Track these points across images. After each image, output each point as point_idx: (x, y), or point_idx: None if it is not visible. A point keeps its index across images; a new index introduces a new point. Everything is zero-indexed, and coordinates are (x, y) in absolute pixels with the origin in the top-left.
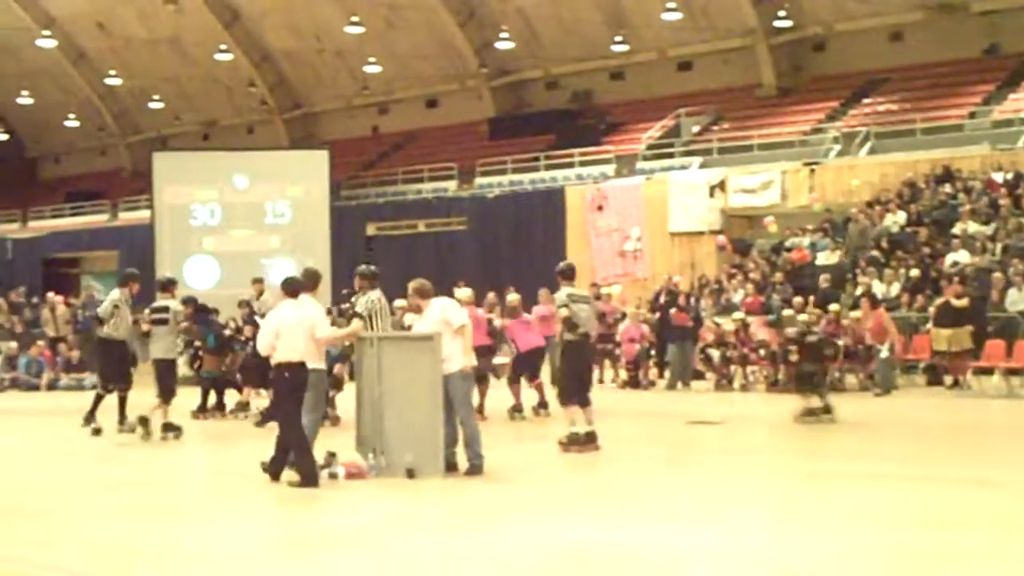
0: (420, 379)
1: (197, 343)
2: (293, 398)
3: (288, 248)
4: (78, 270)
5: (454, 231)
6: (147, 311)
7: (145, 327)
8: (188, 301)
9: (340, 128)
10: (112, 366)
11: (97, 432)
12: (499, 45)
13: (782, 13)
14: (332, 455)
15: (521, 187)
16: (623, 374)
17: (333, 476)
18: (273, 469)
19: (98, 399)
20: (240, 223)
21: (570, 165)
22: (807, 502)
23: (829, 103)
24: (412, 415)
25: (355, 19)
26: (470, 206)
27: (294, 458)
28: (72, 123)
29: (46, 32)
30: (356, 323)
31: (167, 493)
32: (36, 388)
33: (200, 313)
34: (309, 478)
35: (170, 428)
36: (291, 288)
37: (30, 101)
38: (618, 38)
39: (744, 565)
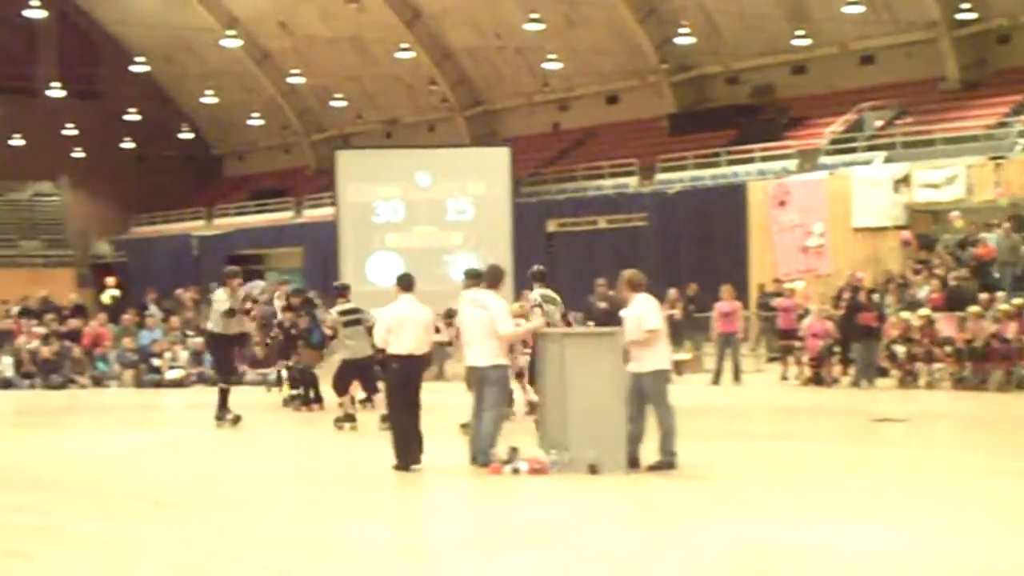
0: (603, 375)
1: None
2: (402, 388)
3: (470, 244)
4: (263, 267)
5: (635, 227)
6: (336, 314)
7: (329, 330)
8: (296, 293)
9: (521, 125)
10: (222, 360)
11: (236, 420)
12: (679, 40)
13: (966, 5)
14: (515, 450)
15: (702, 183)
16: (806, 371)
17: (516, 471)
18: (416, 457)
19: (223, 393)
20: (423, 220)
21: (751, 160)
22: (996, 501)
23: (1014, 96)
24: (595, 411)
25: (535, 16)
26: (651, 202)
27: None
28: (256, 121)
29: (230, 32)
30: (537, 320)
31: (350, 487)
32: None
33: (307, 307)
34: (404, 459)
35: (349, 419)
36: (405, 284)
37: (215, 100)
38: (799, 32)
39: (933, 567)
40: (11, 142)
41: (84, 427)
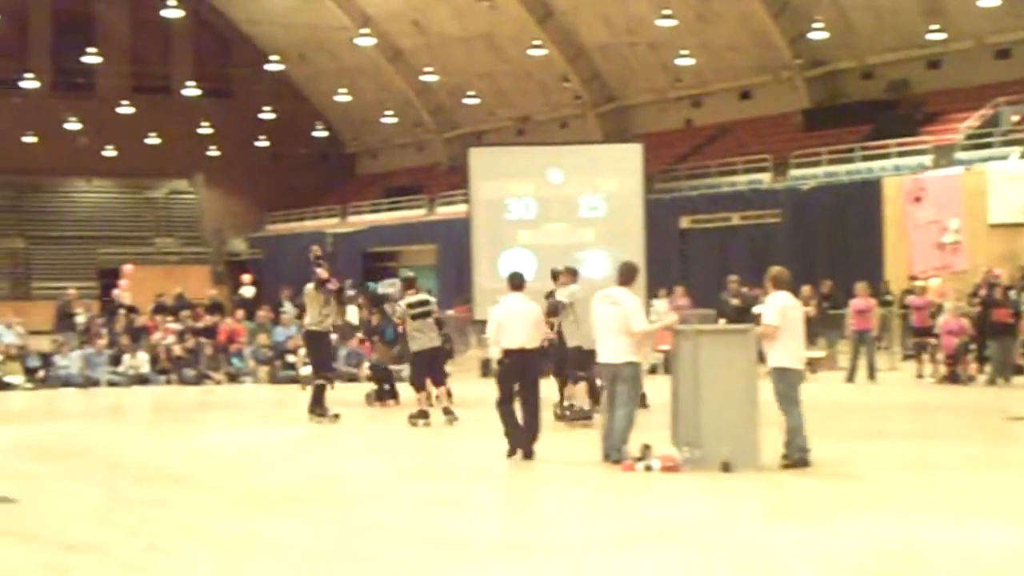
0: (736, 372)
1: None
2: (511, 380)
3: (602, 241)
4: (396, 263)
5: (768, 223)
6: (405, 306)
7: (399, 323)
8: (365, 290)
9: (653, 121)
10: (319, 356)
11: (336, 417)
12: (813, 36)
13: None
14: (647, 447)
15: (836, 179)
16: (942, 368)
17: (648, 468)
18: (527, 448)
19: (319, 390)
20: (555, 217)
21: (886, 156)
22: None
23: None
24: (728, 408)
25: (667, 12)
26: (784, 198)
27: (504, 428)
28: (389, 119)
29: (364, 31)
30: (671, 316)
31: (477, 482)
32: (356, 379)
33: (378, 304)
34: (516, 444)
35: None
36: (516, 282)
37: (348, 98)
38: (934, 26)
39: None
40: (147, 141)
41: (218, 423)
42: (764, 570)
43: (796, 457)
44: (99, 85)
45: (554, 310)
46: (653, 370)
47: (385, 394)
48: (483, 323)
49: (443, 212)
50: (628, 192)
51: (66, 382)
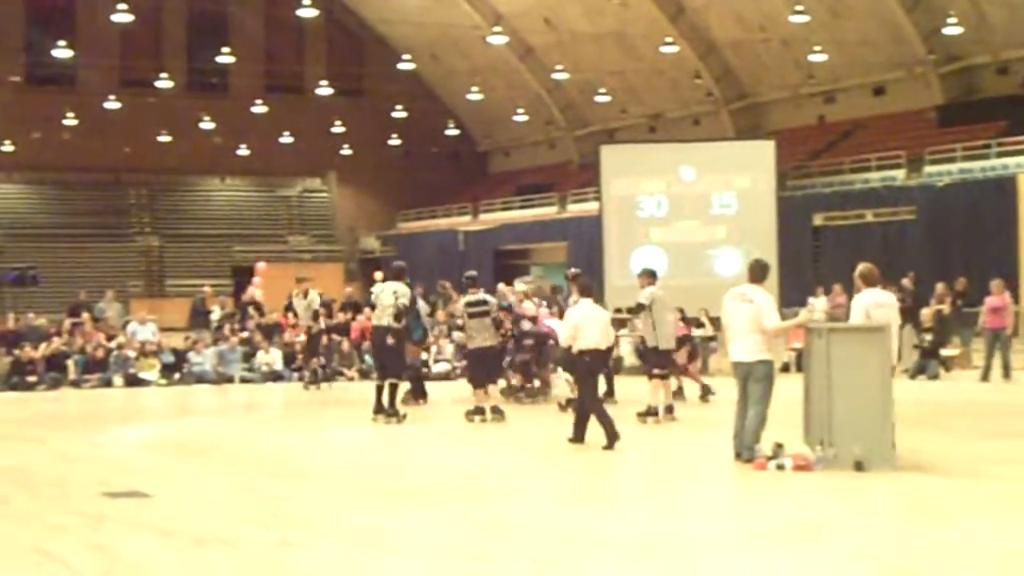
0: (869, 370)
1: None
2: (591, 377)
3: (734, 239)
4: (528, 261)
5: (902, 220)
6: (463, 305)
7: (461, 320)
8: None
9: (786, 118)
10: (384, 355)
11: (403, 418)
12: (947, 31)
13: None
14: (779, 446)
15: (971, 175)
16: None
17: (780, 467)
18: (578, 434)
19: (378, 390)
20: (686, 214)
21: (1022, 152)
22: None
23: None
24: (861, 407)
25: (799, 8)
26: (919, 195)
27: (600, 424)
28: (521, 117)
29: (496, 29)
30: (803, 314)
31: (606, 479)
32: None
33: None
34: (611, 437)
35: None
36: (587, 288)
37: (480, 97)
38: None
39: None
40: (281, 140)
41: (349, 419)
42: (899, 570)
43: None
44: (233, 85)
45: (635, 311)
46: (785, 368)
47: (417, 393)
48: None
49: (574, 210)
50: (760, 189)
51: (200, 379)
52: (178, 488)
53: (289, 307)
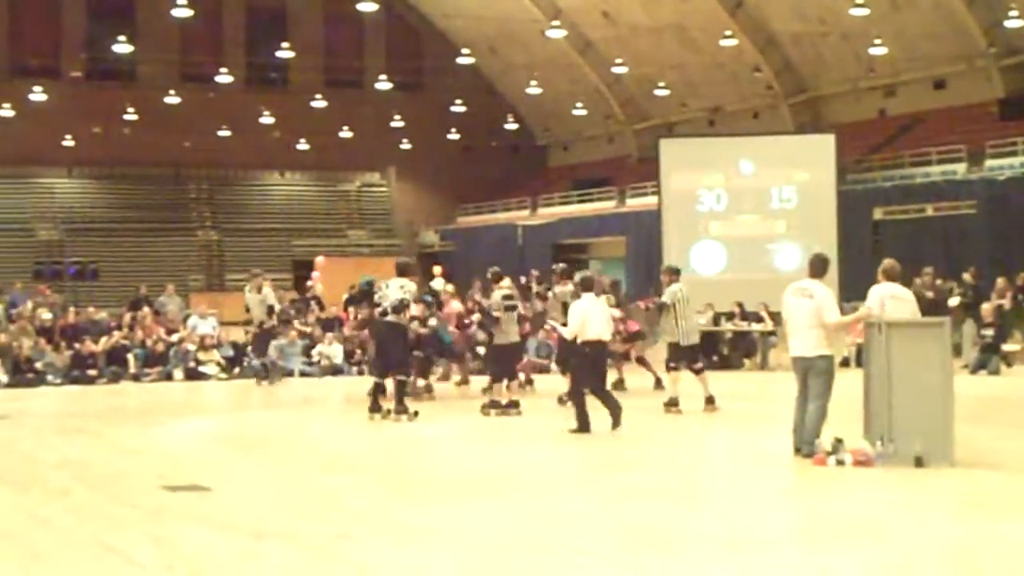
0: (929, 365)
1: None
2: (595, 366)
3: (794, 233)
4: (586, 255)
5: (963, 215)
6: (500, 298)
7: (497, 314)
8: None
9: (846, 111)
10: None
11: (415, 415)
12: (1008, 23)
13: None
14: (839, 441)
15: None
16: None
17: (840, 463)
18: (583, 424)
19: (376, 387)
20: (746, 208)
21: None
22: None
23: None
24: (921, 402)
25: (860, 1)
26: (980, 189)
27: (606, 406)
28: (580, 111)
29: (554, 23)
30: (863, 308)
31: (658, 474)
32: (547, 370)
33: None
34: (616, 415)
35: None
36: (587, 285)
37: (539, 91)
38: None
39: None
40: (340, 134)
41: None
42: (961, 567)
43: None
44: (292, 80)
45: (658, 310)
46: (845, 363)
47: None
48: None
49: (633, 204)
50: (820, 183)
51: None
52: (237, 481)
53: (351, 301)
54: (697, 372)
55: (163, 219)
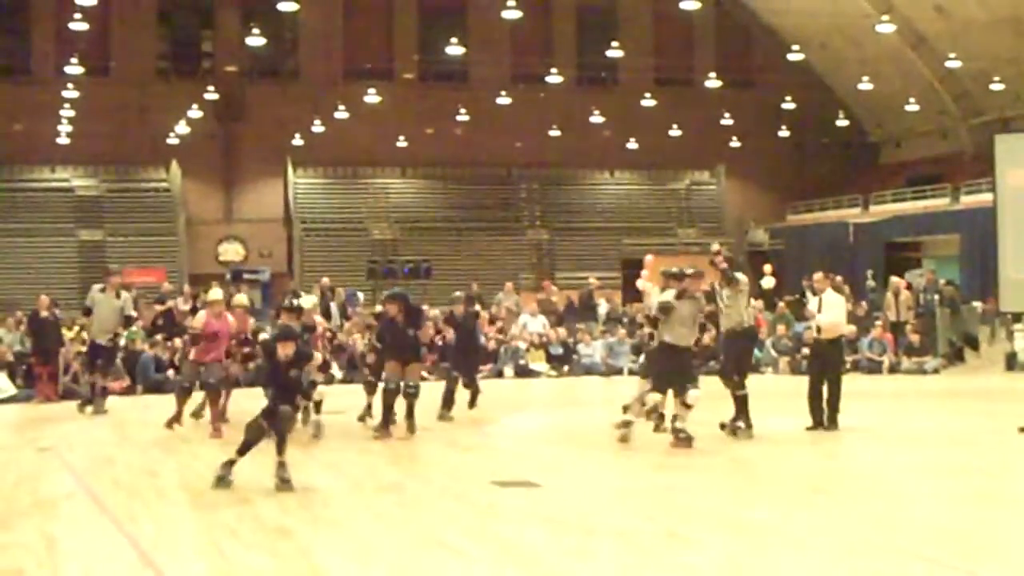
0: None
1: None
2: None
3: None
4: (919, 254)
5: None
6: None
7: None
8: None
9: None
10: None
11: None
12: None
13: None
14: None
15: None
16: None
17: None
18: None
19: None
20: None
21: None
22: None
23: None
24: None
25: None
26: None
27: None
28: (912, 107)
29: (885, 18)
30: None
31: (981, 478)
32: (879, 372)
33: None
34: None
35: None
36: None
37: (870, 87)
38: None
39: None
40: (670, 133)
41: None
42: None
43: None
44: (622, 78)
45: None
46: None
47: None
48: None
49: (967, 201)
50: None
51: (588, 370)
52: (566, 478)
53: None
54: None
55: (493, 218)
